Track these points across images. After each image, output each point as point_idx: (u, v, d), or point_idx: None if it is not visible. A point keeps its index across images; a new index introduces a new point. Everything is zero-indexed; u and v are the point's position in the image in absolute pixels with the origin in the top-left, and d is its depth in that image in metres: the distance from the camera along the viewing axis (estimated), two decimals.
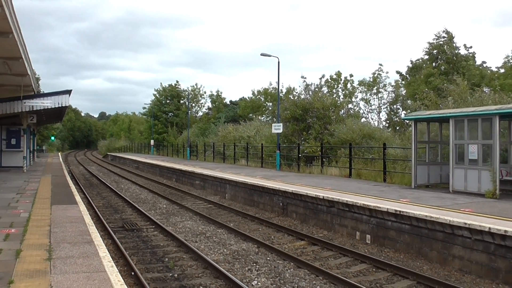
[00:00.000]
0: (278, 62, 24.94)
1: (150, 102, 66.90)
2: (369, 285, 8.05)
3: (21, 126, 24.59)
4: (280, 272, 8.78)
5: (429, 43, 33.49)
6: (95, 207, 15.94)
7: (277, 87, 27.31)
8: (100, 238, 8.29)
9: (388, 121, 39.53)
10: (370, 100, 42.76)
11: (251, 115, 52.45)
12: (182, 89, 67.36)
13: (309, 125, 26.54)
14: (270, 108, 51.17)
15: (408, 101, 34.91)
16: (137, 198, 19.80)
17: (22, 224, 9.37)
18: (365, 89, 42.97)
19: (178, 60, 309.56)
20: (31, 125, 28.94)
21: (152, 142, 56.11)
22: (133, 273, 8.30)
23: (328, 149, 23.92)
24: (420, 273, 8.49)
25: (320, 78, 44.41)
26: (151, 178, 29.38)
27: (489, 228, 8.20)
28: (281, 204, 15.15)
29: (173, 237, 11.45)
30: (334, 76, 44.70)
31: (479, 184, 12.60)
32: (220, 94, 65.34)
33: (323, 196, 12.82)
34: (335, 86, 44.45)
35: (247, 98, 58.10)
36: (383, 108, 41.83)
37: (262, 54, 24.75)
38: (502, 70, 35.67)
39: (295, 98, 29.88)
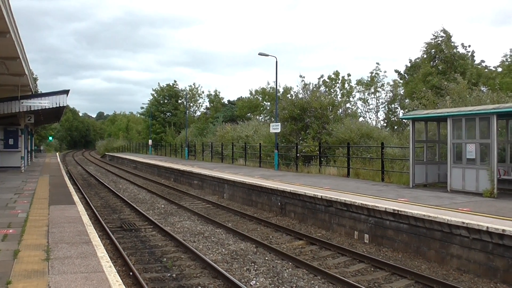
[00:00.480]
0: (276, 61, 24.97)
1: (148, 102, 66.88)
2: (368, 285, 8.05)
3: (19, 126, 24.56)
4: (278, 271, 8.78)
5: (426, 43, 33.52)
6: (93, 207, 15.92)
7: (275, 86, 27.23)
8: (98, 238, 8.28)
9: (386, 121, 39.60)
10: (368, 99, 42.83)
11: (249, 114, 52.45)
12: (180, 88, 67.38)
13: (307, 124, 26.56)
14: (268, 108, 51.18)
15: (406, 100, 34.95)
16: (135, 198, 19.78)
17: (20, 224, 9.35)
18: (363, 89, 43.00)
19: (176, 60, 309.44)
20: (29, 125, 28.87)
21: (150, 142, 56.06)
22: (131, 273, 8.30)
23: (326, 148, 23.93)
24: (418, 272, 8.51)
25: (319, 78, 44.48)
26: (149, 178, 29.36)
27: (487, 227, 8.22)
28: (279, 203, 15.15)
29: (172, 237, 11.44)
30: (333, 76, 44.72)
31: (477, 183, 12.62)
32: (218, 94, 65.39)
33: (321, 196, 12.82)
34: (333, 86, 44.47)
35: (245, 98, 58.12)
36: (381, 108, 41.91)
37: (260, 54, 24.76)
38: (499, 69, 35.76)
39: (293, 97, 29.87)
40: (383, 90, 42.06)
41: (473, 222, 8.56)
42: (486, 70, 34.89)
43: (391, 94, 40.99)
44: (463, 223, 8.67)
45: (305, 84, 31.41)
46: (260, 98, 55.30)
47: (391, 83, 41.68)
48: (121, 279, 5.95)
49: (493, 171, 12.09)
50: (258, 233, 12.48)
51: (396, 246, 10.32)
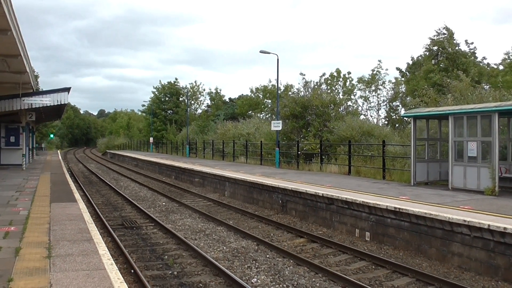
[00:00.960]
0: (277, 59, 24.92)
1: (149, 99, 66.82)
2: (369, 282, 8.05)
3: (20, 123, 24.56)
4: (279, 269, 8.79)
5: (430, 38, 33.45)
6: (94, 205, 15.94)
7: (276, 84, 27.22)
8: (100, 236, 8.29)
9: (387, 118, 39.56)
10: (369, 97, 42.77)
11: (250, 112, 52.41)
12: (181, 86, 67.30)
13: (308, 122, 26.53)
14: (269, 106, 51.14)
15: (408, 98, 34.91)
16: (137, 195, 19.80)
17: (21, 222, 9.36)
18: (364, 86, 42.94)
19: (177, 57, 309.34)
20: (30, 123, 28.91)
21: (151, 139, 56.06)
22: (132, 271, 8.31)
23: (327, 146, 23.91)
24: (419, 270, 8.51)
25: (320, 76, 44.42)
26: (150, 176, 29.38)
27: (488, 225, 8.21)
28: (280, 201, 15.16)
29: (173, 235, 11.45)
30: (335, 74, 44.64)
31: (478, 181, 12.60)
32: (219, 91, 65.30)
33: (323, 194, 12.82)
34: (335, 84, 44.41)
35: (246, 96, 58.06)
36: (383, 105, 41.87)
37: (261, 51, 24.73)
38: (501, 67, 35.70)
39: (294, 95, 29.84)
40: (384, 87, 42.04)
41: (475, 220, 8.55)
42: (488, 68, 34.83)
43: (392, 92, 40.95)
44: (465, 221, 8.66)
45: (306, 82, 31.34)
46: (261, 96, 55.25)
47: (393, 80, 41.65)
48: (122, 276, 5.96)
49: (495, 169, 12.07)
50: (259, 231, 12.49)
51: (397, 244, 10.32)
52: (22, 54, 14.85)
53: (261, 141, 28.42)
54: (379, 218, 10.87)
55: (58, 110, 29.28)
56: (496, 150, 11.99)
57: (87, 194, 19.14)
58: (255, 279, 8.19)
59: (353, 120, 24.52)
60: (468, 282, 8.04)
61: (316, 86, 31.24)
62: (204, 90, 66.65)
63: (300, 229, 12.36)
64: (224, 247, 10.52)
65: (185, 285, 7.85)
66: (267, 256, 9.79)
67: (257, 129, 34.02)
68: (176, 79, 68.27)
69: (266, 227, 12.96)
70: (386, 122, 38.50)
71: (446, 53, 31.98)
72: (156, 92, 66.99)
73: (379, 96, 42.33)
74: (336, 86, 44.49)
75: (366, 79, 42.78)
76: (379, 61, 70.15)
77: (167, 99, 65.99)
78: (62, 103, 21.92)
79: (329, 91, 39.63)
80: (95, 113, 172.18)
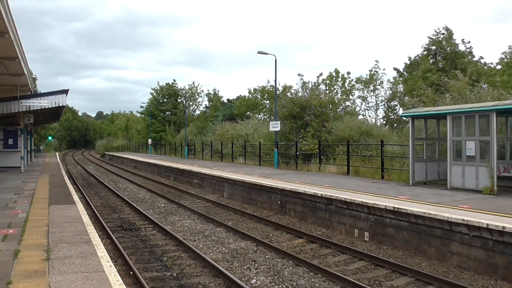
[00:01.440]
0: (275, 60, 24.94)
1: (148, 101, 66.83)
2: (368, 283, 8.05)
3: (18, 126, 24.55)
4: (279, 270, 8.79)
5: (429, 37, 33.51)
6: (93, 207, 15.92)
7: (274, 85, 27.22)
8: (99, 238, 8.28)
9: (385, 118, 39.60)
10: (367, 97, 42.82)
11: (248, 113, 52.42)
12: (179, 87, 67.31)
13: (307, 122, 26.55)
14: (267, 106, 51.16)
15: (406, 98, 34.95)
16: (135, 197, 19.79)
17: (20, 224, 9.35)
18: (362, 86, 42.98)
19: (176, 59, 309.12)
20: (28, 125, 28.87)
21: (149, 141, 56.02)
22: (131, 273, 8.30)
23: (326, 146, 23.92)
24: (418, 270, 8.51)
25: (318, 76, 44.47)
26: (149, 177, 29.36)
27: (487, 224, 8.22)
28: (279, 202, 15.16)
29: (172, 236, 11.44)
30: (333, 74, 44.67)
31: (477, 180, 12.62)
32: (217, 92, 65.35)
33: (321, 194, 12.82)
34: (333, 84, 44.44)
35: (244, 97, 58.08)
36: (381, 105, 41.91)
37: (259, 52, 24.75)
38: (498, 67, 35.76)
39: (293, 95, 29.86)
40: (382, 87, 42.09)
41: (473, 219, 8.56)
42: (485, 67, 34.88)
43: (390, 91, 41.00)
44: (463, 220, 8.67)
45: (304, 83, 31.39)
46: (259, 97, 55.28)
47: (391, 80, 41.70)
48: (121, 278, 5.95)
49: (493, 168, 12.09)
50: (258, 231, 12.49)
51: (396, 243, 10.32)
52: (19, 57, 14.84)
53: (259, 142, 28.43)
54: (378, 218, 10.88)
55: (56, 112, 29.25)
56: (494, 149, 12.01)
57: (86, 196, 19.11)
58: (255, 280, 8.19)
59: (351, 120, 24.55)
60: (467, 281, 8.05)
61: (314, 87, 31.27)
62: (202, 91, 66.78)
63: (299, 229, 12.36)
64: (223, 248, 10.51)
65: (185, 287, 7.85)
66: (266, 256, 9.78)
67: (255, 130, 34.02)
68: (174, 80, 68.64)
69: (265, 228, 12.95)
70: (384, 122, 38.54)
71: (444, 52, 32.04)
72: (154, 94, 66.99)
73: (377, 96, 42.39)
74: (335, 86, 44.51)
75: (364, 79, 42.82)
76: (377, 61, 70.35)
77: (165, 100, 65.98)
78: (60, 105, 21.90)
79: (327, 91, 39.68)
80: (94, 115, 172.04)
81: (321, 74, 45.03)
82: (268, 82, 55.26)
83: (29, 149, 33.01)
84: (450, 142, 13.36)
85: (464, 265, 8.70)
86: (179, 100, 65.95)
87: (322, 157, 22.41)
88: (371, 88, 42.36)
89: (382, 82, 41.99)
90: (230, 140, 33.90)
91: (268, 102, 51.94)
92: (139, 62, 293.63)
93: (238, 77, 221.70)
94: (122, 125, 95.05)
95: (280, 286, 7.88)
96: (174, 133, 58.73)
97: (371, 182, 15.94)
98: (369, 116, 41.84)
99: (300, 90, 30.42)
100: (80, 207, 11.89)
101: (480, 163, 12.61)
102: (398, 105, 39.17)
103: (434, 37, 33.09)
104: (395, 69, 40.37)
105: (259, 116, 49.28)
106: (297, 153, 23.82)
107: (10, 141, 26.37)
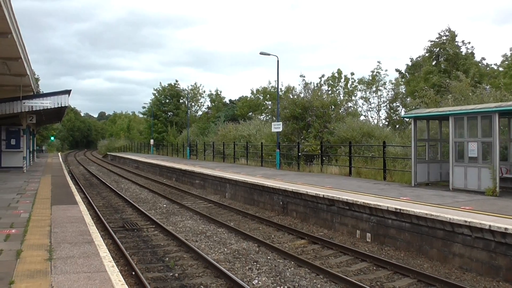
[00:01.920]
0: (278, 61, 24.94)
1: (150, 101, 66.87)
2: (370, 284, 8.04)
3: (21, 126, 24.58)
4: (280, 271, 8.79)
5: (430, 41, 33.49)
6: (95, 207, 15.94)
7: (276, 86, 27.24)
8: (101, 238, 8.29)
9: (387, 119, 39.54)
10: (370, 98, 42.76)
11: (250, 114, 52.42)
12: (181, 88, 67.34)
13: (309, 123, 26.53)
14: (269, 107, 51.17)
15: (408, 99, 34.91)
16: (137, 197, 19.80)
17: (22, 224, 9.37)
18: (364, 87, 42.94)
19: (179, 59, 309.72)
20: (31, 125, 28.92)
21: (151, 141, 56.08)
22: (133, 273, 8.31)
23: (328, 147, 23.92)
24: (420, 271, 8.50)
25: (320, 78, 44.43)
26: (151, 178, 29.38)
27: (490, 225, 8.21)
28: (281, 203, 15.15)
29: (174, 237, 11.45)
30: (336, 75, 44.62)
31: (479, 181, 12.60)
32: (219, 93, 65.36)
33: (323, 195, 12.82)
34: (336, 85, 44.41)
35: (247, 97, 58.08)
36: (383, 106, 41.84)
37: (261, 53, 24.74)
38: (501, 69, 35.68)
39: (295, 97, 29.86)
40: (385, 88, 42.03)
41: (476, 220, 8.55)
42: (488, 69, 34.82)
43: (392, 92, 40.94)
44: (466, 221, 8.65)
45: (306, 83, 31.37)
46: (262, 98, 55.27)
47: (393, 81, 41.63)
48: (123, 278, 5.96)
49: (495, 169, 12.07)
50: (260, 232, 12.49)
51: (398, 245, 10.31)
52: (22, 57, 14.88)
53: (261, 143, 28.42)
54: (380, 219, 10.86)
55: (58, 113, 29.31)
56: (496, 150, 11.99)
57: (88, 196, 19.14)
58: (256, 281, 8.19)
59: (353, 121, 24.53)
60: (469, 283, 8.03)
61: (316, 88, 31.25)
62: (204, 91, 66.79)
63: (301, 230, 12.36)
64: (225, 249, 10.51)
65: (186, 287, 7.85)
66: (268, 257, 9.78)
67: (257, 130, 34.02)
68: (177, 81, 68.42)
69: (267, 229, 12.95)
70: (387, 123, 38.48)
71: (447, 54, 32.00)
72: (157, 94, 67.03)
73: (379, 97, 42.33)
74: (338, 87, 44.47)
75: (366, 80, 42.78)
76: (379, 62, 70.26)
77: (167, 101, 66.03)
78: (63, 105, 21.94)
79: (330, 92, 39.64)
80: (96, 116, 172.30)
81: (323, 76, 45.04)
82: (270, 83, 55.32)
83: (31, 150, 33.08)
84: (452, 143, 13.34)
85: (466, 267, 8.69)
86: (181, 101, 65.99)
87: (324, 158, 22.40)
88: (373, 89, 42.31)
89: (384, 83, 41.97)
90: (232, 141, 33.90)
91: (270, 103, 51.92)
92: (142, 63, 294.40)
93: (240, 78, 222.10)
94: (124, 125, 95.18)
95: (282, 287, 7.88)
96: (176, 134, 58.77)
97: (373, 183, 15.92)
98: (371, 117, 41.81)
99: (302, 91, 30.41)
100: (82, 207, 11.91)
101: (482, 164, 12.58)
102: (400, 106, 39.10)
103: (437, 39, 33.06)
104: (397, 70, 40.38)
105: (261, 117, 49.27)
106: (299, 154, 23.81)
107: (13, 141, 26.42)
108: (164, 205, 17.41)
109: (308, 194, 13.52)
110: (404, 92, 38.71)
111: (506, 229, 7.93)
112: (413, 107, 23.88)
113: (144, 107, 71.99)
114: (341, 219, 12.23)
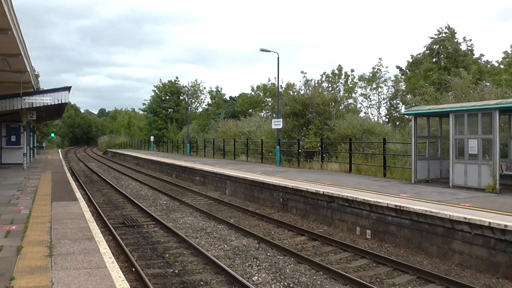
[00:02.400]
0: (278, 57, 24.95)
1: (150, 98, 66.85)
2: (370, 280, 8.06)
3: (21, 123, 24.57)
4: (280, 267, 8.80)
5: (430, 37, 33.41)
6: (95, 204, 15.95)
7: (276, 82, 27.22)
8: (101, 235, 8.30)
9: (388, 116, 39.50)
10: (370, 95, 42.70)
11: (250, 110, 52.40)
12: (181, 85, 67.29)
13: (309, 120, 26.53)
14: (270, 104, 51.11)
15: (408, 96, 34.85)
16: (137, 194, 19.82)
17: (22, 220, 9.38)
18: (365, 84, 42.87)
19: (179, 56, 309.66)
20: (31, 122, 28.93)
21: (152, 138, 56.06)
22: (134, 269, 8.32)
23: (328, 144, 23.91)
24: (420, 268, 8.52)
25: (321, 75, 44.38)
26: (151, 174, 29.40)
27: (489, 222, 8.22)
28: (281, 199, 15.17)
29: (174, 233, 11.47)
30: (336, 71, 44.55)
31: (479, 178, 12.60)
32: (219, 90, 65.30)
33: (323, 192, 12.82)
34: (336, 82, 44.34)
35: (247, 94, 58.03)
36: (383, 103, 41.79)
37: (261, 50, 24.74)
38: (501, 66, 35.62)
39: (295, 93, 29.85)
40: (385, 85, 41.96)
41: (475, 217, 8.55)
42: (488, 66, 34.75)
43: (393, 89, 40.87)
44: (465, 218, 8.66)
45: (307, 80, 31.34)
46: (262, 94, 55.22)
47: (393, 78, 41.55)
48: (123, 275, 5.97)
49: (495, 166, 12.07)
50: (260, 229, 12.50)
51: (398, 241, 10.32)
52: (22, 53, 14.85)
53: (262, 140, 28.42)
54: (380, 216, 10.87)
55: (59, 109, 29.29)
56: (497, 147, 11.98)
57: (88, 193, 19.16)
58: (256, 277, 8.20)
59: (353, 118, 24.51)
60: (469, 280, 8.05)
61: (317, 85, 31.23)
62: (204, 88, 66.75)
63: (301, 227, 12.37)
64: (225, 245, 10.53)
65: (186, 283, 7.87)
66: (268, 254, 9.80)
67: (258, 127, 34.00)
68: (177, 77, 68.41)
69: (267, 225, 12.97)
70: (387, 120, 38.44)
71: (446, 51, 31.94)
72: (157, 91, 66.97)
73: (379, 94, 42.27)
74: (338, 84, 44.40)
75: (367, 77, 42.71)
76: (380, 59, 70.06)
77: (167, 97, 65.98)
78: (63, 102, 21.92)
79: (330, 88, 39.58)
80: (96, 112, 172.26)
81: (324, 73, 44.98)
82: (269, 80, 55.24)
83: (31, 146, 33.06)
84: (452, 140, 13.33)
85: (466, 263, 8.70)
86: (181, 98, 65.96)
87: (324, 155, 22.40)
88: (374, 86, 42.24)
89: (385, 80, 41.89)
90: (232, 138, 33.90)
91: (270, 99, 51.88)
92: (143, 60, 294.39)
93: (241, 75, 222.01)
94: (124, 122, 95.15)
95: (281, 284, 7.89)
96: (176, 131, 58.77)
97: (373, 180, 15.93)
98: (371, 114, 41.77)
99: (303, 87, 30.39)
100: (83, 203, 11.92)
101: (482, 161, 12.58)
102: (401, 103, 39.04)
103: (436, 36, 32.99)
104: (398, 67, 40.27)
105: (262, 113, 49.23)
106: (299, 150, 23.81)
107: (13, 138, 26.44)
108: (164, 202, 17.43)
109: (308, 191, 13.53)
110: (404, 89, 38.65)
111: (506, 226, 7.94)
112: (413, 104, 23.86)
113: (144, 104, 72.04)
114: (341, 216, 12.24)
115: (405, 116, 28.25)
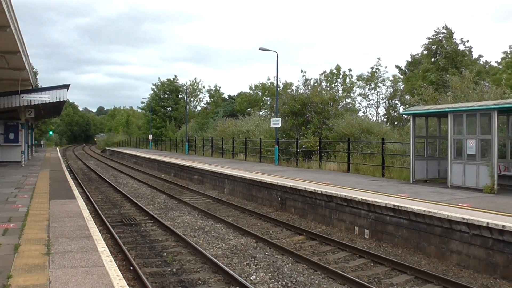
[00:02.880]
0: (277, 56, 24.91)
1: (149, 96, 66.81)
2: (367, 280, 8.06)
3: (19, 120, 24.54)
4: (278, 266, 8.80)
5: (428, 38, 33.43)
6: (93, 202, 15.93)
7: (275, 81, 27.22)
8: (99, 233, 8.29)
9: (386, 116, 39.54)
10: (368, 95, 42.75)
11: (249, 109, 52.40)
12: (180, 83, 67.26)
13: (308, 119, 26.52)
14: (268, 103, 51.12)
15: (407, 96, 34.87)
16: (136, 192, 19.80)
17: (20, 218, 9.36)
18: (363, 84, 42.91)
19: (178, 55, 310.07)
20: (29, 120, 28.86)
21: (150, 136, 56.02)
22: (131, 268, 8.31)
23: (326, 143, 23.92)
24: (418, 267, 8.52)
25: (321, 74, 44.41)
26: (149, 173, 29.37)
27: (487, 223, 8.23)
28: (279, 198, 15.17)
29: (172, 232, 11.46)
30: (334, 71, 44.58)
31: (477, 179, 12.61)
32: (218, 89, 65.29)
33: (322, 191, 12.83)
34: (335, 81, 44.37)
35: (246, 93, 58.04)
36: (382, 103, 41.84)
37: (260, 49, 24.71)
38: (500, 66, 35.65)
39: (294, 92, 29.84)
40: (384, 85, 42.00)
41: (473, 218, 8.56)
42: (487, 66, 34.77)
43: (391, 89, 40.92)
44: (463, 218, 8.67)
45: (306, 79, 31.34)
46: (260, 93, 55.23)
47: (391, 78, 41.61)
48: (121, 273, 5.96)
49: (494, 167, 12.08)
50: (258, 228, 12.50)
51: (396, 241, 10.33)
52: (21, 51, 14.82)
53: (260, 139, 28.41)
54: (378, 215, 10.88)
55: (57, 107, 29.23)
56: (495, 148, 11.99)
57: (86, 191, 19.13)
58: (254, 276, 8.20)
59: (352, 118, 24.52)
60: (466, 280, 8.06)
61: (316, 84, 31.24)
62: (203, 87, 66.73)
63: (299, 226, 12.37)
64: (223, 244, 10.52)
65: (184, 282, 7.86)
66: (266, 253, 9.80)
67: (256, 126, 34.00)
68: (176, 76, 68.33)
69: (265, 225, 12.97)
70: (385, 120, 38.48)
71: (445, 51, 31.96)
72: (156, 89, 66.95)
73: (378, 93, 42.31)
74: (336, 83, 44.42)
75: (366, 77, 42.75)
76: (378, 58, 70.20)
77: (166, 96, 65.97)
78: (61, 100, 21.87)
79: (328, 88, 39.61)
80: (95, 110, 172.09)
81: (324, 72, 45.01)
82: (269, 79, 55.25)
83: (29, 144, 33.00)
84: (451, 141, 13.35)
85: (464, 264, 8.71)
86: (180, 96, 65.92)
87: (322, 154, 22.40)
88: (372, 85, 42.28)
89: (384, 80, 41.94)
90: (231, 137, 33.88)
91: (269, 98, 51.88)
92: (141, 58, 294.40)
93: (239, 74, 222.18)
94: (123, 120, 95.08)
95: (279, 283, 7.89)
96: (174, 129, 58.74)
97: (372, 180, 15.94)
98: (370, 114, 41.81)
99: (302, 87, 30.39)
100: (81, 202, 11.90)
101: (480, 161, 12.60)
102: (399, 103, 39.08)
103: (434, 37, 33.01)
104: (397, 66, 40.30)
105: (260, 112, 49.23)
106: (298, 150, 23.82)
107: (11, 136, 26.38)
108: (163, 200, 17.42)
109: (307, 190, 13.53)
110: (402, 89, 38.68)
111: (503, 226, 7.95)
112: (412, 104, 23.86)
113: (143, 102, 72.03)
114: (339, 215, 12.24)
115: (404, 116, 28.32)
